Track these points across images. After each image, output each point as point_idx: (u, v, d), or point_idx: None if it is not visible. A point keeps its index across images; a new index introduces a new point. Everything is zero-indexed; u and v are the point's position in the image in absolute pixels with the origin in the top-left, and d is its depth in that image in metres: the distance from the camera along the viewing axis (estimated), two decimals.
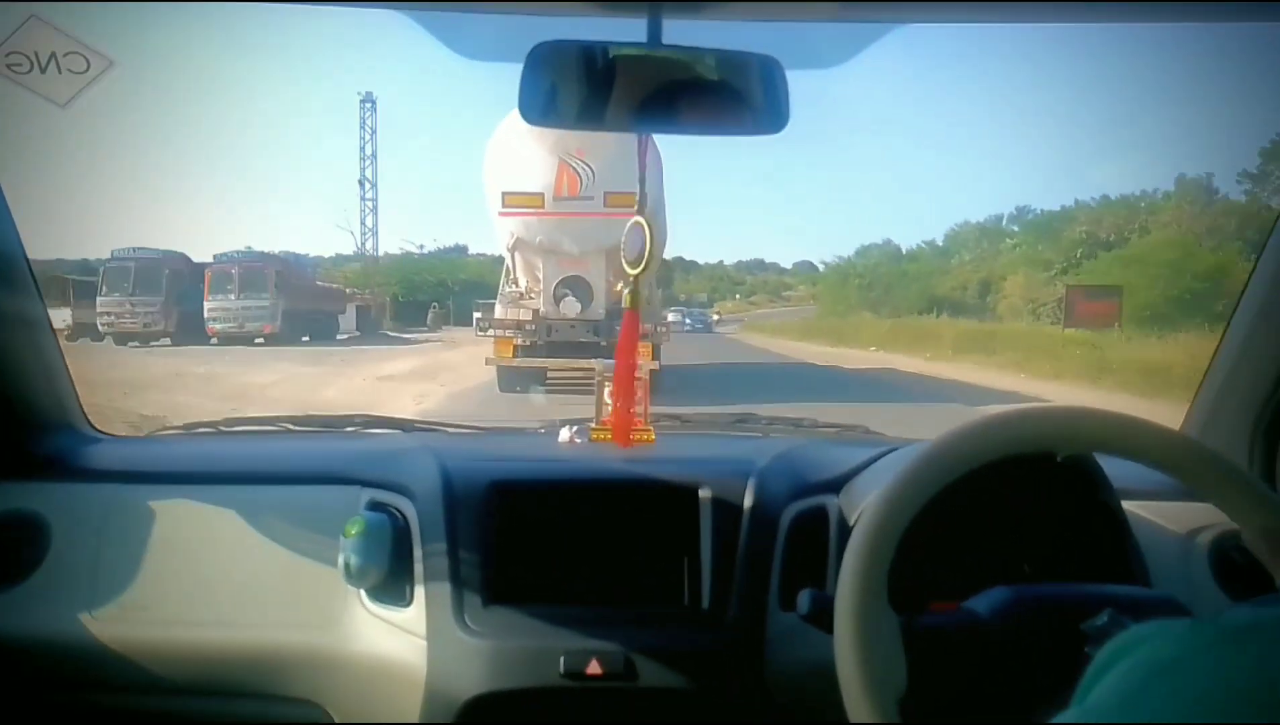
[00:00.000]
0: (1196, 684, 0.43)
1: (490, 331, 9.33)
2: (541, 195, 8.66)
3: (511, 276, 9.92)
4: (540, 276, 9.18)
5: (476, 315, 9.71)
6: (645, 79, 0.88)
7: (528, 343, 9.15)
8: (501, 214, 8.95)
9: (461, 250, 45.71)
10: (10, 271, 1.25)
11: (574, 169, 8.58)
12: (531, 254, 9.19)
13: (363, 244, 35.98)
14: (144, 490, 1.25)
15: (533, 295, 9.50)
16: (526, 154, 8.46)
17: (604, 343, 8.93)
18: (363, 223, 35.76)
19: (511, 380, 9.39)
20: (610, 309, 9.23)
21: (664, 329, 9.32)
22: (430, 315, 30.77)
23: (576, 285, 9.12)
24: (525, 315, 9.27)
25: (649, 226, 1.17)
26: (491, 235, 9.55)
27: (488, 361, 9.47)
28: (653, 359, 8.94)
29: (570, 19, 0.88)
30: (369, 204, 35.40)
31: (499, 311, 9.56)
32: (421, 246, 45.57)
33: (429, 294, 34.76)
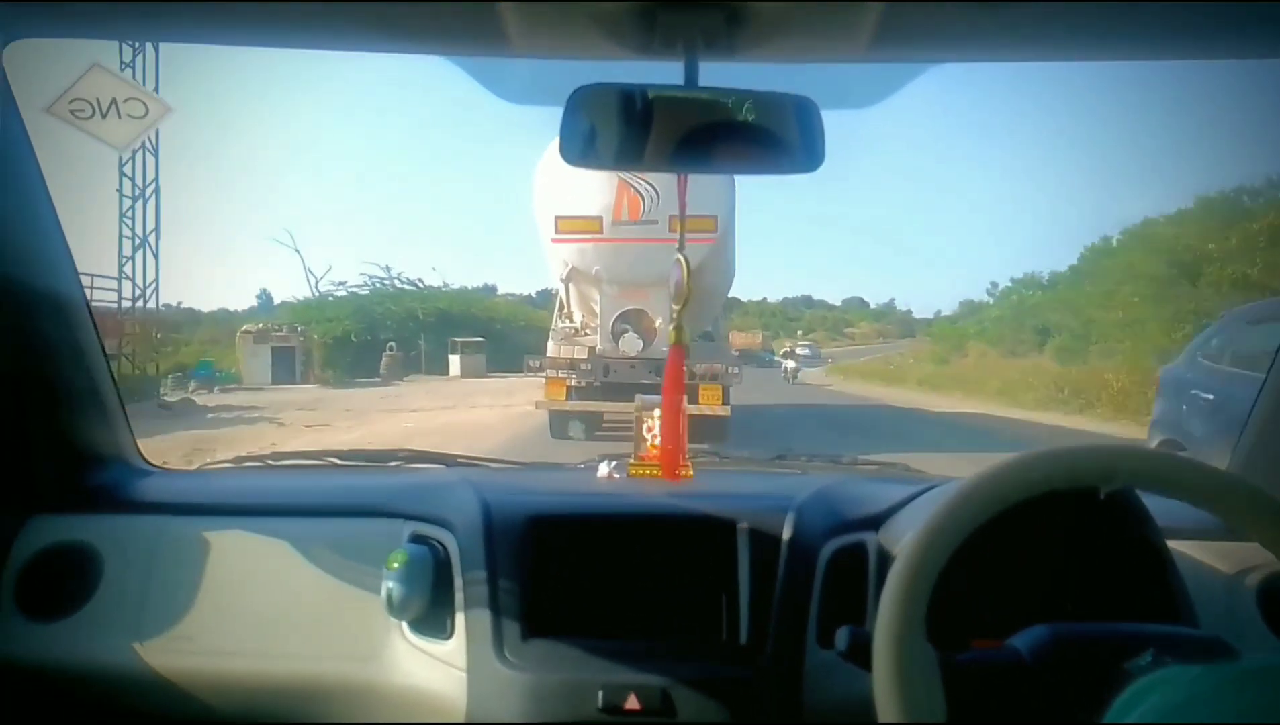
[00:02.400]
0: (1213, 723, 0.50)
1: (542, 372, 9.43)
2: (599, 219, 8.76)
3: (565, 310, 10.11)
4: (597, 310, 9.26)
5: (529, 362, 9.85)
6: (682, 120, 1.01)
7: (582, 384, 9.23)
8: (554, 240, 9.10)
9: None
10: (67, 307, 1.45)
11: (635, 190, 8.62)
12: (587, 285, 9.30)
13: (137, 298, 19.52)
14: (193, 522, 1.43)
15: (589, 331, 9.61)
16: (582, 174, 8.39)
17: (648, 395, 9.00)
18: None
19: (564, 425, 9.52)
20: None
21: (735, 371, 9.30)
22: (384, 361, 26.98)
23: (637, 319, 9.15)
24: (580, 353, 9.37)
25: (686, 262, 1.29)
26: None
27: (538, 405, 9.63)
28: (723, 403, 8.94)
29: (608, 62, 1.02)
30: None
31: (551, 349, 9.69)
32: (388, 270, 43.03)
33: (394, 332, 31.50)
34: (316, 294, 36.74)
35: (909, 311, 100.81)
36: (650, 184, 8.57)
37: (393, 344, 28.26)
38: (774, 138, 1.01)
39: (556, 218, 8.99)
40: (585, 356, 9.28)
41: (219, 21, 1.01)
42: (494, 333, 33.76)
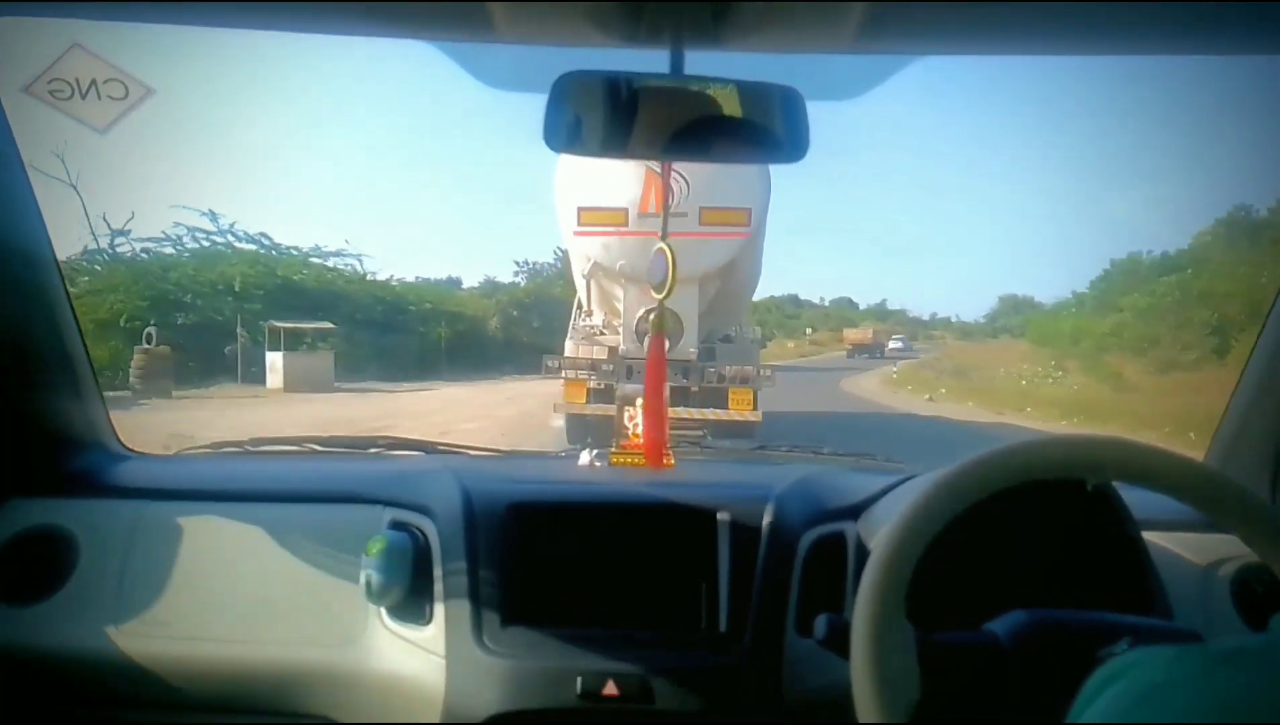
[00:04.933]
0: (1181, 708, 0.56)
1: (561, 372, 9.52)
2: (624, 211, 8.83)
3: (585, 308, 10.23)
4: (620, 307, 9.33)
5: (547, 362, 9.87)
6: (668, 109, 1.12)
7: (603, 386, 9.31)
8: (577, 233, 9.21)
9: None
10: (45, 292, 1.57)
11: (666, 177, 8.74)
12: (610, 281, 9.38)
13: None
14: (170, 507, 1.56)
15: (610, 330, 9.73)
16: (607, 164, 8.36)
17: (695, 389, 9.03)
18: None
19: (583, 430, 9.55)
20: (704, 347, 9.31)
21: (767, 373, 9.34)
22: (136, 362, 16.88)
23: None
24: (600, 353, 9.50)
25: (671, 252, 1.40)
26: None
27: (556, 407, 9.75)
28: (753, 409, 9.00)
29: (593, 50, 1.13)
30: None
31: (569, 349, 9.83)
32: (215, 217, 28.71)
33: (200, 312, 22.85)
34: (107, 254, 26.13)
35: (904, 311, 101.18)
36: (680, 174, 8.57)
37: (151, 332, 17.75)
38: (759, 127, 1.11)
39: (579, 209, 9.08)
40: (606, 357, 9.40)
41: (201, 3, 1.10)
42: (377, 319, 27.07)
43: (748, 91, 1.11)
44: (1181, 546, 1.42)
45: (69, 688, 1.51)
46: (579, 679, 1.28)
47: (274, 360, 20.53)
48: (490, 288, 43.73)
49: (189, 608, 1.48)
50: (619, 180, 8.80)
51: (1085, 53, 1.14)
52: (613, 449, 1.68)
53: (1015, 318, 63.22)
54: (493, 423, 13.07)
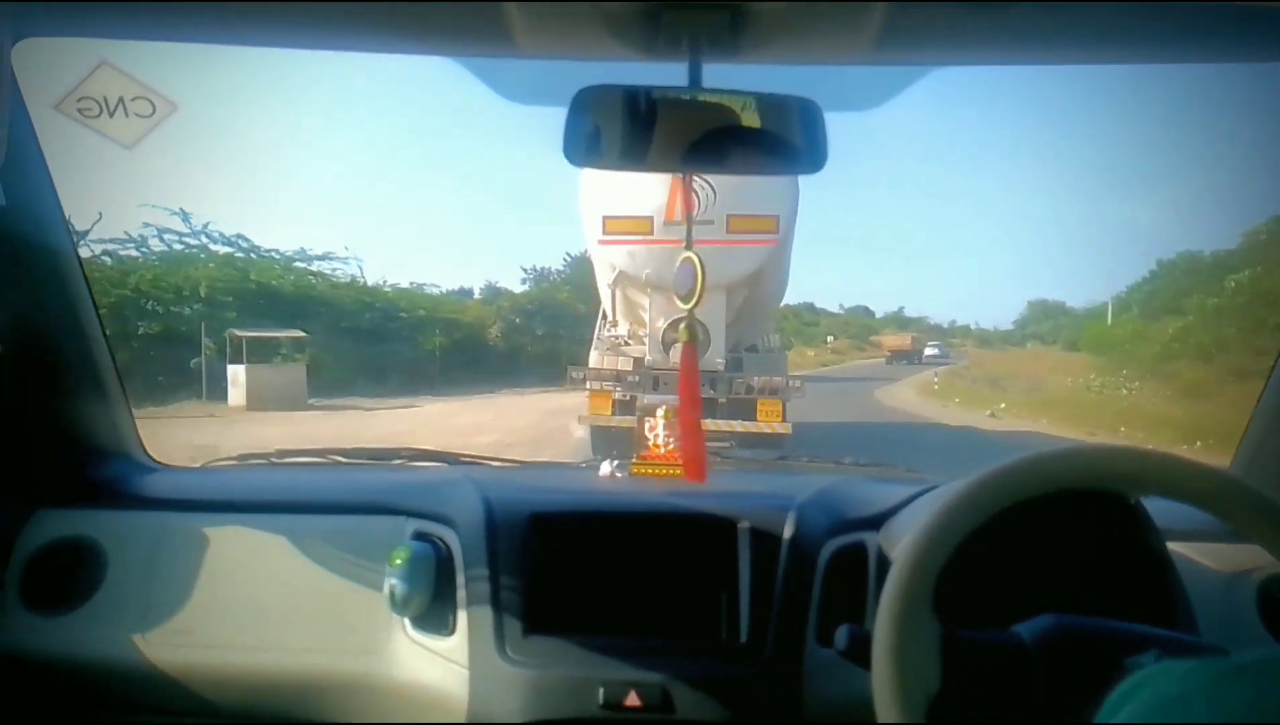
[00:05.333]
0: (1197, 721, 0.57)
1: (585, 384, 9.55)
2: (650, 219, 8.86)
3: (610, 318, 10.24)
4: (645, 317, 9.35)
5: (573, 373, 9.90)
6: (686, 121, 1.14)
7: (628, 397, 9.28)
8: (601, 242, 9.25)
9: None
10: (74, 304, 1.63)
11: (689, 185, 8.72)
12: (636, 291, 9.40)
13: None
14: (197, 518, 1.61)
15: (635, 340, 9.73)
16: (630, 172, 8.52)
17: (723, 400, 8.99)
18: None
19: (608, 442, 9.49)
20: (732, 358, 9.29)
21: (797, 384, 9.32)
22: None
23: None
24: (626, 364, 9.48)
25: (699, 261, 1.42)
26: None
27: (580, 419, 9.78)
28: (782, 420, 8.97)
29: (612, 63, 1.15)
30: None
31: (593, 359, 9.85)
32: (187, 217, 25.42)
33: (160, 320, 20.83)
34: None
35: (923, 318, 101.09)
36: (706, 181, 8.57)
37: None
38: (777, 139, 1.13)
39: (604, 218, 9.13)
40: (631, 368, 9.39)
41: (227, 22, 1.15)
42: (364, 328, 25.38)
43: (766, 103, 1.13)
44: (1205, 556, 1.42)
45: (97, 696, 1.56)
46: (601, 689, 1.30)
47: (235, 374, 18.72)
48: (492, 294, 41.27)
49: (215, 617, 1.52)
50: (644, 188, 8.82)
51: (1106, 60, 1.15)
52: (633, 460, 1.71)
53: (1046, 324, 62.70)
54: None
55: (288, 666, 1.48)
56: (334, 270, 29.12)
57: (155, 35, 1.19)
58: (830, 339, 64.08)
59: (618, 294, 9.73)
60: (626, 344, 9.89)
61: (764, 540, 1.41)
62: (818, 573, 1.40)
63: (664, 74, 1.13)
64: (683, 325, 1.58)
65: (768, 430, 8.91)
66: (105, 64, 1.41)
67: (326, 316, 24.86)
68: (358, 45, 1.27)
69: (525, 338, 31.76)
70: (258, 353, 19.65)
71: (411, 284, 34.26)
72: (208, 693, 1.50)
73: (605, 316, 10.42)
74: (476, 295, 42.10)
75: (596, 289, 10.33)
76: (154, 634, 1.51)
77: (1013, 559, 1.24)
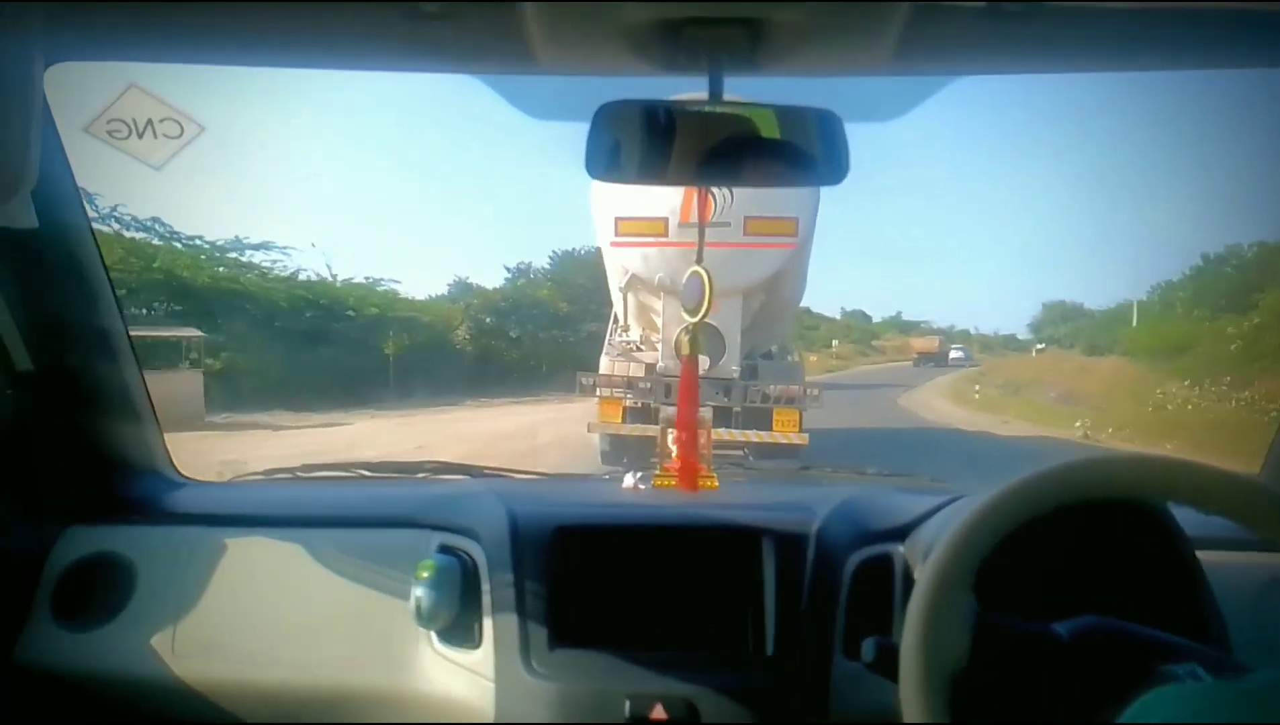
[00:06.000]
0: None
1: (596, 391, 9.50)
2: (664, 221, 8.84)
3: (621, 322, 10.23)
4: (659, 322, 9.33)
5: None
6: (707, 134, 1.18)
7: (639, 405, 9.32)
8: (614, 244, 9.26)
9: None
10: (104, 322, 1.70)
11: (707, 188, 8.70)
12: (649, 295, 9.39)
13: None
14: (225, 533, 1.67)
15: (648, 346, 9.74)
16: None
17: (738, 409, 8.97)
18: None
19: (618, 452, 9.57)
20: (747, 366, 9.26)
21: (814, 392, 9.27)
22: None
23: (705, 334, 8.93)
24: (637, 371, 9.51)
25: (707, 275, 1.46)
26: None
27: (590, 427, 9.74)
28: (799, 430, 8.94)
29: (632, 78, 1.19)
30: None
31: (604, 366, 9.88)
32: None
33: None
34: None
35: (925, 322, 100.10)
36: None
37: None
38: (798, 151, 1.17)
39: (616, 219, 9.12)
40: (643, 374, 9.41)
41: (254, 45, 1.20)
42: (302, 328, 22.17)
43: (786, 115, 1.16)
44: (1237, 565, 1.44)
45: (126, 712, 1.61)
46: (627, 702, 1.34)
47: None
48: (461, 290, 35.62)
49: (242, 632, 1.58)
50: (659, 189, 8.76)
51: (1124, 68, 1.19)
52: (656, 471, 1.76)
53: (1064, 327, 61.60)
54: None
55: (314, 680, 1.53)
56: (274, 262, 25.98)
57: (186, 59, 1.24)
58: (835, 343, 63.89)
59: (630, 298, 9.70)
60: (639, 349, 9.90)
61: (789, 552, 1.44)
62: (843, 584, 1.44)
63: (684, 87, 1.17)
64: (685, 337, 1.62)
65: (783, 440, 8.90)
66: (134, 86, 1.46)
67: (254, 314, 21.70)
68: (380, 65, 1.31)
69: (498, 340, 29.39)
70: (160, 356, 16.79)
71: (368, 279, 29.22)
72: (235, 707, 1.56)
73: (617, 321, 10.42)
74: (446, 292, 37.06)
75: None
76: (182, 649, 1.57)
77: (1041, 563, 1.27)
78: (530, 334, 29.54)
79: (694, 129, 1.17)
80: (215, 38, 1.17)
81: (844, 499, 1.59)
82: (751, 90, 1.16)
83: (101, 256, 1.67)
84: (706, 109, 1.16)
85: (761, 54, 1.13)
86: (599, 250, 9.85)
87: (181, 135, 1.53)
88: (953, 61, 1.19)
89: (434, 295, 34.60)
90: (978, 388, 28.76)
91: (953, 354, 59.43)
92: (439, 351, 26.76)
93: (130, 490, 1.79)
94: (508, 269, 40.96)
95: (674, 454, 1.71)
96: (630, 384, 9.39)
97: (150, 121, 1.51)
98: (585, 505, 1.67)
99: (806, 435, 9.01)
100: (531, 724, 1.37)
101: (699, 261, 1.54)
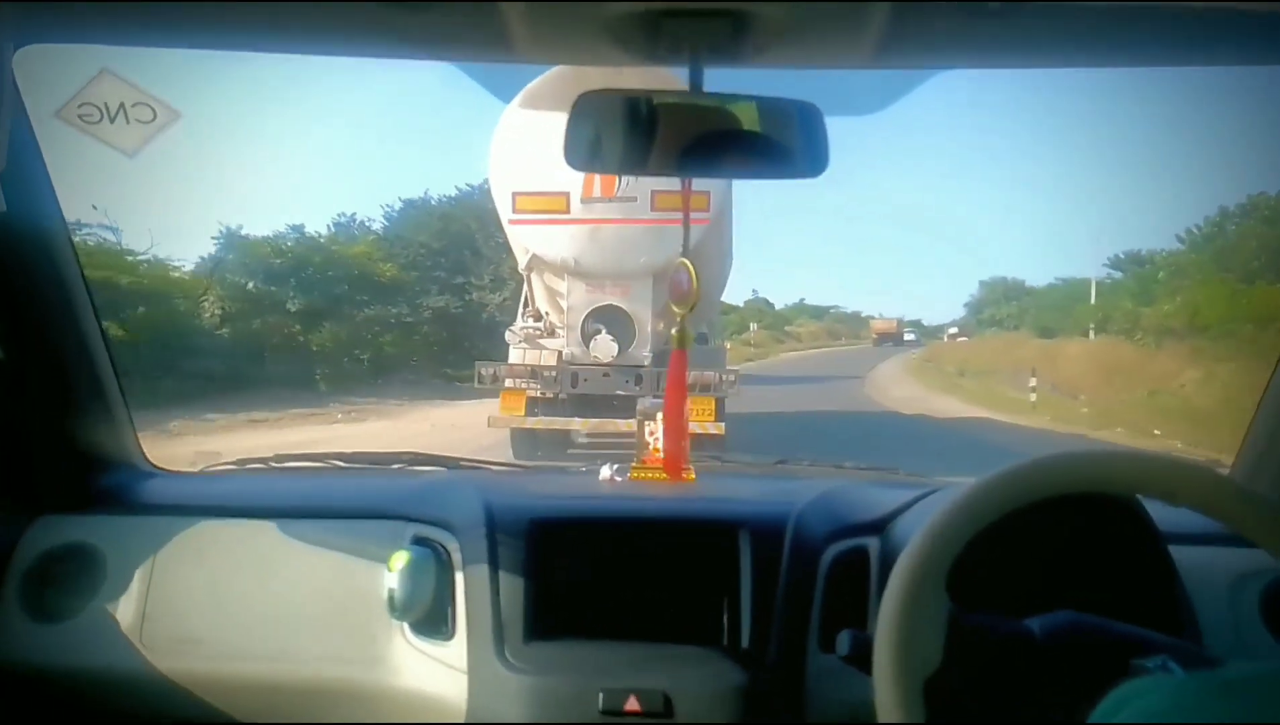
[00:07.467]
0: None
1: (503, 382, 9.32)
2: (565, 195, 8.75)
3: (530, 307, 10.13)
4: (564, 306, 9.26)
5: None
6: (687, 125, 1.24)
7: (547, 396, 9.22)
8: (512, 222, 9.17)
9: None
10: (75, 311, 1.72)
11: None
12: (553, 276, 9.32)
13: None
14: (196, 524, 1.71)
15: (557, 332, 9.58)
16: (544, 144, 7.91)
17: (650, 399, 8.97)
18: None
19: (529, 445, 9.52)
20: (659, 351, 9.17)
21: (731, 378, 9.28)
22: None
23: (613, 318, 9.12)
24: (547, 358, 9.35)
25: (693, 269, 1.52)
26: None
27: (491, 422, 9.59)
28: (716, 419, 8.93)
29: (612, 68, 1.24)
30: None
31: (511, 355, 9.67)
32: None
33: None
34: None
35: (836, 307, 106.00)
36: None
37: None
38: (778, 143, 1.24)
39: (514, 194, 8.99)
40: (552, 363, 9.28)
41: (227, 27, 1.21)
42: None
43: (767, 107, 1.23)
44: (1209, 560, 1.55)
45: (96, 705, 1.65)
46: (600, 695, 1.40)
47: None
48: (228, 246, 22.90)
49: (215, 624, 1.62)
50: (558, 162, 8.58)
51: (1107, 64, 1.29)
52: (633, 463, 1.83)
53: (1007, 307, 59.82)
54: None
55: (288, 673, 1.58)
56: None
57: (155, 41, 1.25)
58: (753, 327, 64.67)
59: (535, 280, 9.67)
60: (549, 336, 9.72)
61: (765, 545, 1.52)
62: (819, 578, 1.52)
63: (665, 78, 1.22)
64: (675, 332, 1.68)
65: (699, 430, 8.69)
66: (105, 71, 1.45)
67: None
68: (357, 50, 1.33)
69: (271, 318, 20.76)
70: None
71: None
72: (208, 700, 1.59)
73: (526, 304, 10.29)
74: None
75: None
76: (154, 642, 1.61)
77: (1013, 557, 1.36)
78: (312, 306, 21.47)
79: (675, 120, 1.23)
80: (189, 21, 1.18)
81: (821, 492, 1.68)
82: (733, 83, 1.22)
83: (73, 244, 1.70)
84: (687, 100, 1.22)
85: (743, 47, 1.19)
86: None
87: (154, 120, 1.53)
88: (936, 57, 1.27)
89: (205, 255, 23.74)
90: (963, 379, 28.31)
91: (907, 336, 73.22)
92: (183, 340, 18.28)
93: (101, 481, 1.82)
94: (332, 224, 28.61)
95: (651, 447, 1.78)
96: (536, 373, 9.24)
97: (123, 106, 1.50)
98: (562, 497, 1.75)
99: (723, 425, 8.99)
100: (504, 719, 1.43)
101: (685, 253, 1.59)
